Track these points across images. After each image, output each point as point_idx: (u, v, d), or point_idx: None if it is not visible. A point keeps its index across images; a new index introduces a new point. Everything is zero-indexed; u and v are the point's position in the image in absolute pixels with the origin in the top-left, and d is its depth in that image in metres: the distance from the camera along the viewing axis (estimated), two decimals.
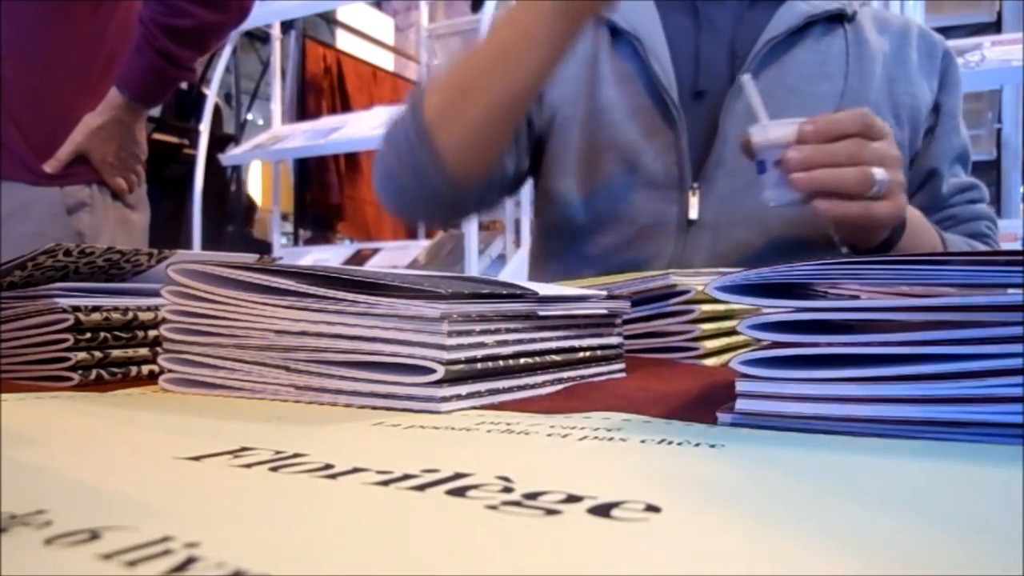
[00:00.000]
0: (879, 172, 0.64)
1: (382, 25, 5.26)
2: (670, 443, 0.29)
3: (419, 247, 3.15)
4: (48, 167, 1.13)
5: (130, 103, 1.15)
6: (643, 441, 0.29)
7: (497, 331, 0.40)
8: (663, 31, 0.88)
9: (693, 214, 0.83)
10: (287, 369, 0.41)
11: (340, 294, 0.38)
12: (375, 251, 3.14)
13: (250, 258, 0.53)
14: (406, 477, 0.23)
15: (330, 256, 3.14)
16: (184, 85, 2.98)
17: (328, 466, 0.24)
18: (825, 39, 0.87)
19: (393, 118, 0.83)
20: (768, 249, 0.82)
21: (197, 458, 0.26)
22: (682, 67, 0.86)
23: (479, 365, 0.39)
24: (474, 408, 0.38)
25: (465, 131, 0.76)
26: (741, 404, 0.32)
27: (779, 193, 0.67)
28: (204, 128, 3.36)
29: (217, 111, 3.67)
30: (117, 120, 1.15)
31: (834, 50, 0.87)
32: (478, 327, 0.39)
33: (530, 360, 0.42)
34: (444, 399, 0.37)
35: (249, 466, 0.25)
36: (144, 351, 0.52)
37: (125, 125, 1.17)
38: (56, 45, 1.14)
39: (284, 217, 4.09)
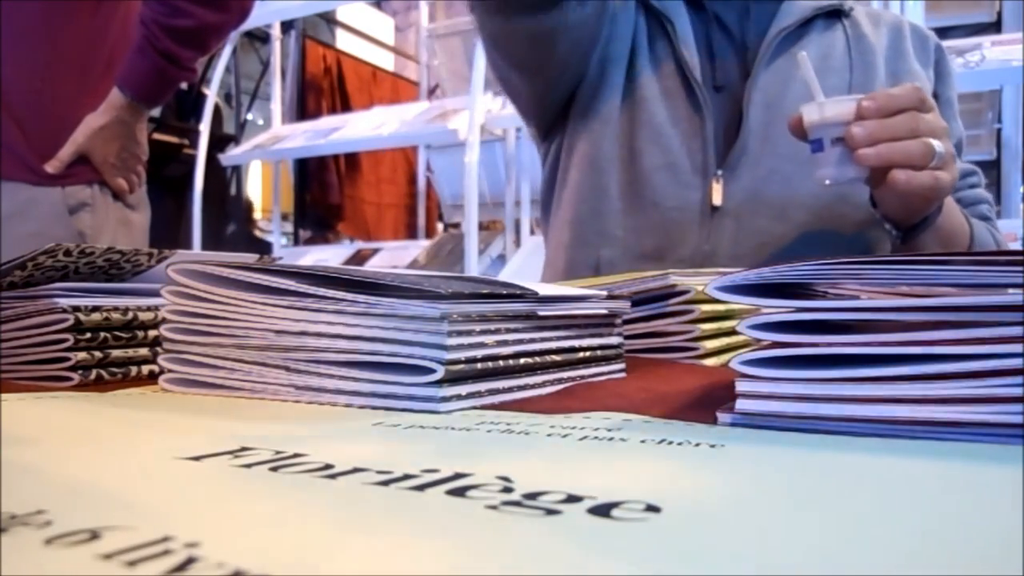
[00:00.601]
0: (936, 143, 0.66)
1: (382, 25, 5.26)
2: (670, 443, 0.29)
3: (419, 247, 3.16)
4: (50, 167, 1.13)
5: (132, 103, 1.16)
6: (643, 441, 0.29)
7: (497, 331, 0.40)
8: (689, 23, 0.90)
9: (717, 200, 0.84)
10: (287, 369, 0.41)
11: (340, 294, 0.38)
12: (375, 251, 3.15)
13: (250, 258, 0.53)
14: (406, 477, 0.23)
15: (330, 256, 3.14)
16: (184, 85, 2.98)
17: (328, 466, 0.24)
18: (827, 34, 0.89)
19: None
20: (790, 238, 0.83)
21: (197, 458, 0.26)
22: (700, 61, 0.88)
23: (479, 365, 0.38)
24: (474, 408, 0.38)
25: None
26: (741, 404, 0.32)
27: (840, 171, 0.67)
28: (204, 128, 3.36)
29: (217, 111, 3.68)
30: (119, 120, 1.16)
31: (836, 45, 0.89)
32: (478, 327, 0.39)
33: (530, 360, 0.42)
34: (444, 399, 0.37)
35: (249, 466, 0.25)
36: (144, 351, 0.52)
37: (127, 125, 1.17)
38: (57, 45, 1.13)
39: (284, 217, 4.09)
